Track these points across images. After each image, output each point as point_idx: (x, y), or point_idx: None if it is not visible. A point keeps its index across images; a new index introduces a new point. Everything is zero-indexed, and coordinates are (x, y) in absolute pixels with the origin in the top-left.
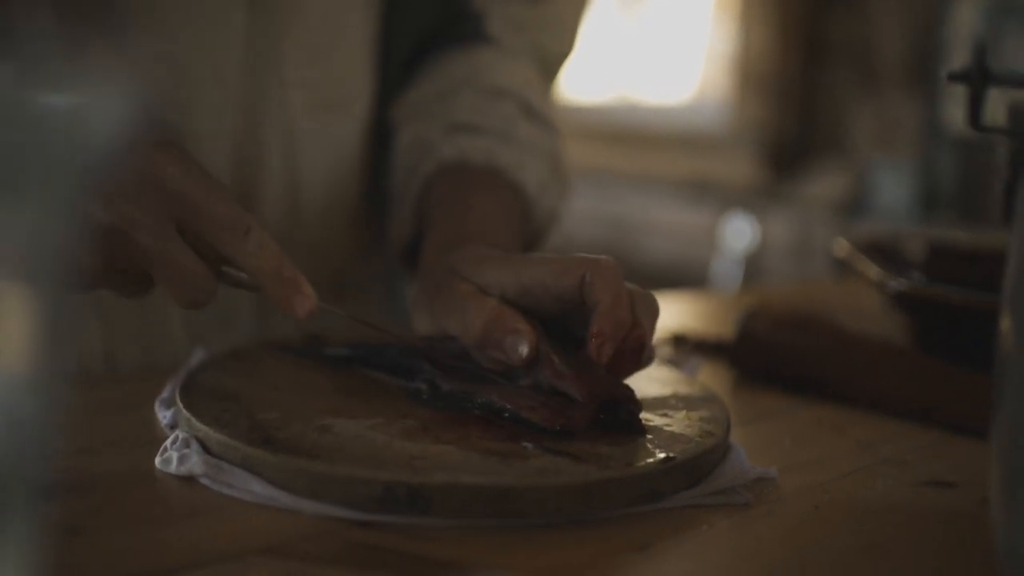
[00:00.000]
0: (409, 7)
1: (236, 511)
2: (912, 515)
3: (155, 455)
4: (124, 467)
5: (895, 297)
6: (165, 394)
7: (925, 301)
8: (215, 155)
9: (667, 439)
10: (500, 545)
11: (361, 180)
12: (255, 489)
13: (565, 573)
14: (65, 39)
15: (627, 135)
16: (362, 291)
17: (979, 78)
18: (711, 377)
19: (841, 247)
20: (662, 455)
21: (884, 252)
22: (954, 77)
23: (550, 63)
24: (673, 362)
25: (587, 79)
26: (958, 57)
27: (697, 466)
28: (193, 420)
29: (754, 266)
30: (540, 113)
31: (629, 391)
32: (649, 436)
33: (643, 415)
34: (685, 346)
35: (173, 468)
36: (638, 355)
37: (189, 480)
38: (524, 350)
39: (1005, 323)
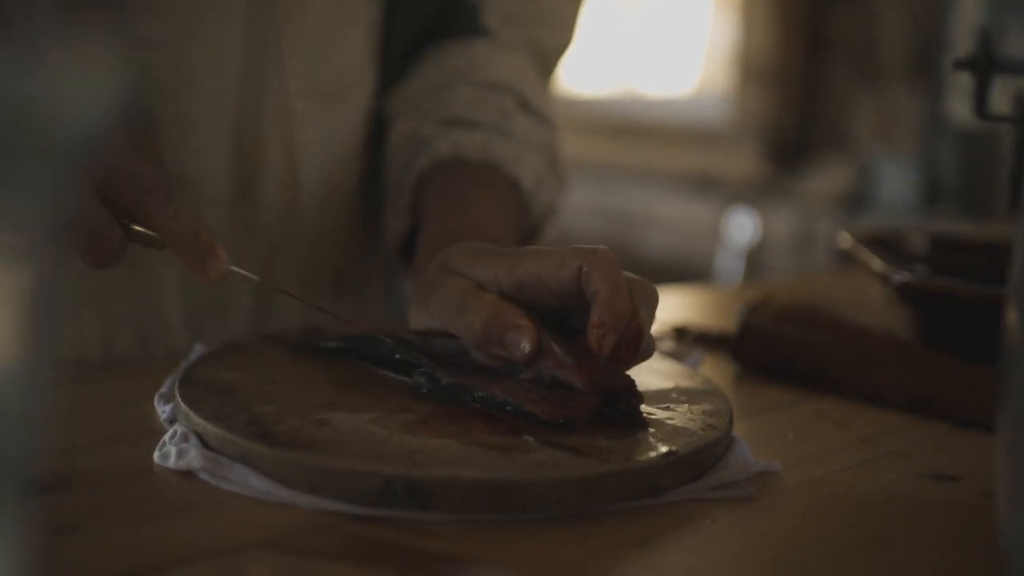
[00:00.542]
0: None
1: (234, 505)
2: (915, 508)
3: (153, 449)
4: (122, 462)
5: (899, 289)
6: (164, 388)
7: (929, 293)
8: (214, 140)
9: (669, 433)
10: (500, 539)
11: (360, 170)
12: (253, 483)
13: (566, 567)
14: (62, 24)
15: (628, 129)
16: (360, 287)
17: (985, 65)
18: (713, 370)
19: (844, 240)
20: (664, 449)
21: (887, 245)
22: (960, 64)
23: (547, 57)
24: (675, 355)
25: (588, 72)
26: (961, 51)
27: (699, 460)
28: (191, 414)
29: (756, 260)
30: (536, 107)
31: (630, 381)
32: (651, 430)
33: (645, 409)
34: (687, 339)
35: (171, 462)
36: (636, 344)
37: (187, 474)
38: (526, 346)
39: (1011, 315)
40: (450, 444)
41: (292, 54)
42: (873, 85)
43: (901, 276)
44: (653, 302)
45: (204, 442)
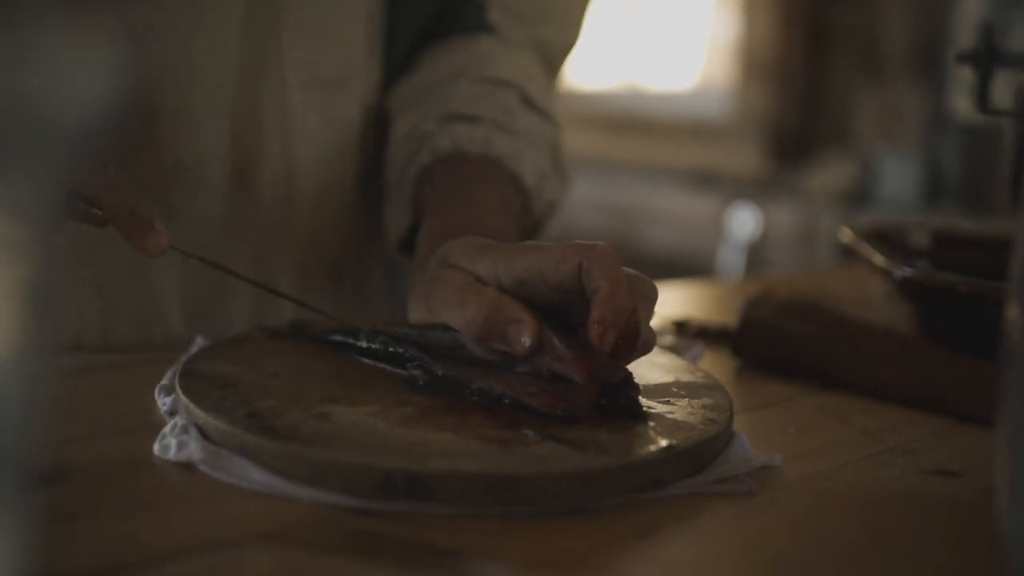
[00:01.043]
0: None
1: (234, 498)
2: (916, 504)
3: (153, 441)
4: (122, 453)
5: (900, 284)
6: (165, 380)
7: (930, 289)
8: (213, 130)
9: (669, 427)
10: (500, 533)
11: (359, 164)
12: (253, 476)
13: (566, 561)
14: (62, 12)
15: (630, 123)
16: (361, 282)
17: (987, 59)
18: (714, 365)
19: (846, 235)
20: (664, 443)
21: (889, 240)
22: (962, 58)
23: (552, 56)
24: (675, 349)
25: (590, 66)
26: (964, 45)
27: (699, 454)
28: (192, 407)
29: (758, 255)
30: (540, 105)
31: (627, 374)
32: (651, 423)
33: (645, 402)
34: (688, 333)
35: (171, 455)
36: (634, 340)
37: (187, 467)
38: (527, 340)
39: (1012, 311)
40: (449, 437)
41: (291, 44)
42: (875, 80)
43: (902, 271)
44: (652, 298)
45: (204, 434)
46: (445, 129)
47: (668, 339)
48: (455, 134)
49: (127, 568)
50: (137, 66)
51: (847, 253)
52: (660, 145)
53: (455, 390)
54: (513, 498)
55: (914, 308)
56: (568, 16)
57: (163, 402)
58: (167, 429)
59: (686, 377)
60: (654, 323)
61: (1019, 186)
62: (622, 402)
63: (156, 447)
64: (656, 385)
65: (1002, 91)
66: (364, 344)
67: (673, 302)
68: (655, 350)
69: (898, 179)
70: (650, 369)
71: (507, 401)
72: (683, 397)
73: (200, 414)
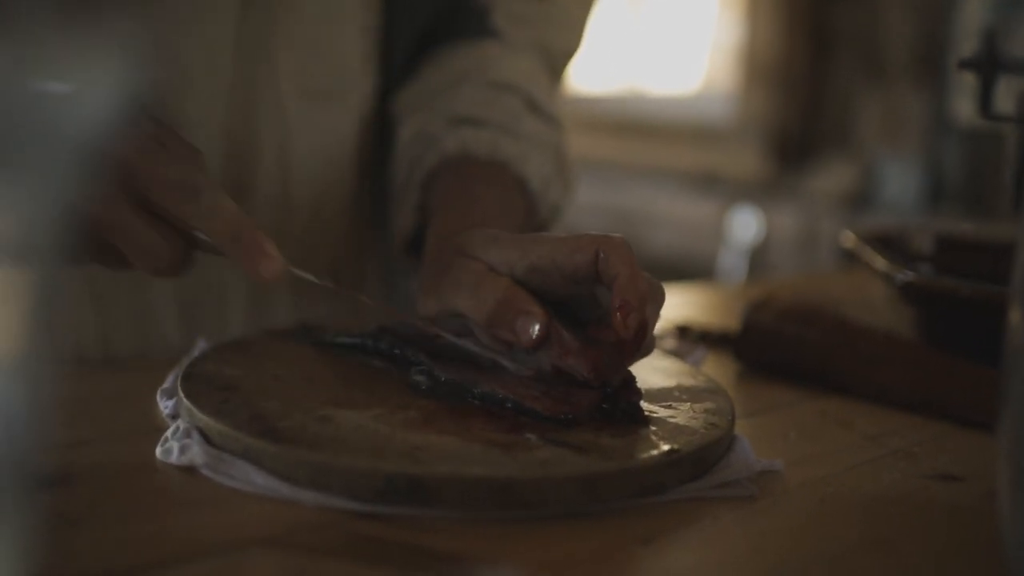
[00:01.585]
0: (412, 0)
1: (237, 502)
2: (918, 508)
3: (156, 445)
4: (124, 457)
5: (902, 289)
6: (167, 384)
7: (932, 293)
8: (208, 142)
9: (671, 431)
10: (502, 537)
11: (356, 172)
12: (256, 480)
13: (568, 565)
14: (60, 24)
15: (632, 127)
16: (358, 286)
17: (989, 65)
18: (715, 369)
19: (848, 239)
20: (666, 447)
21: (891, 244)
22: (965, 64)
23: (556, 60)
24: (677, 353)
25: (592, 70)
26: (966, 49)
27: (701, 458)
28: (194, 410)
29: (759, 259)
30: (545, 109)
31: (629, 376)
32: (653, 428)
33: (647, 407)
34: (689, 337)
35: (174, 458)
36: (641, 338)
37: (190, 470)
38: (536, 329)
39: (1014, 316)
40: (452, 441)
41: (284, 54)
42: (878, 84)
43: (904, 275)
44: (660, 299)
45: (207, 438)
46: (452, 132)
47: (670, 343)
48: (462, 137)
49: (130, 572)
50: (135, 77)
51: (849, 257)
52: (662, 148)
53: (458, 394)
54: (515, 502)
55: (916, 312)
56: (571, 20)
57: (165, 405)
58: (169, 433)
59: (688, 381)
60: (656, 327)
61: (1022, 191)
62: (623, 407)
63: (158, 451)
64: (658, 389)
65: (1004, 97)
66: (370, 344)
67: (675, 305)
68: (657, 354)
69: (900, 183)
70: (652, 373)
71: (509, 405)
72: (685, 401)
73: (202, 417)
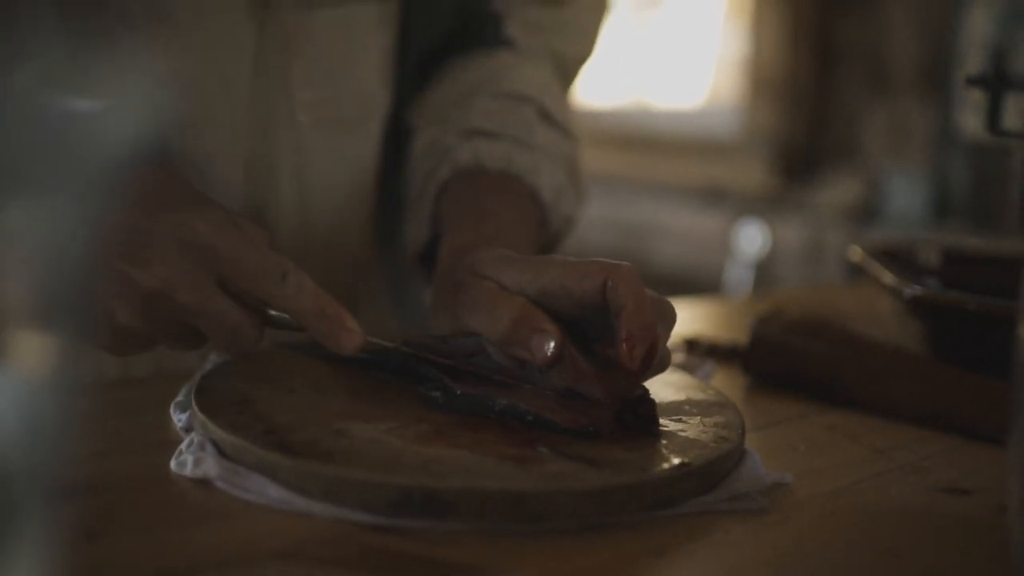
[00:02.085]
0: (426, 11)
1: (251, 514)
2: (927, 522)
3: (170, 458)
4: (139, 470)
5: (910, 303)
6: (180, 397)
7: (940, 307)
8: (226, 174)
9: (682, 445)
10: (515, 549)
11: (374, 197)
12: (270, 493)
13: None
14: (77, 54)
15: (638, 140)
16: (371, 304)
17: (997, 82)
18: (724, 382)
19: (855, 253)
20: (677, 461)
21: (898, 258)
22: (972, 81)
23: (568, 67)
24: (686, 367)
25: (599, 84)
26: (971, 63)
27: (712, 472)
28: (208, 423)
29: (766, 272)
30: (557, 119)
31: (644, 390)
32: (664, 441)
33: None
34: (698, 351)
35: (188, 471)
36: (651, 359)
37: (204, 483)
38: (551, 347)
39: (1022, 329)
40: (465, 455)
41: (302, 86)
42: (883, 97)
43: (912, 290)
44: (671, 319)
45: (221, 451)
46: (466, 144)
47: (679, 357)
48: (476, 149)
49: None
50: (154, 110)
51: (855, 270)
52: (668, 162)
53: (478, 408)
54: (528, 515)
55: (923, 326)
56: (584, 27)
57: (179, 418)
58: (183, 445)
59: (698, 395)
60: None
61: None
62: (643, 415)
63: (173, 463)
64: (668, 403)
65: (1012, 113)
66: (384, 358)
67: (683, 319)
68: (667, 368)
69: (906, 196)
70: (662, 387)
71: (530, 418)
72: (695, 415)
73: (216, 430)
